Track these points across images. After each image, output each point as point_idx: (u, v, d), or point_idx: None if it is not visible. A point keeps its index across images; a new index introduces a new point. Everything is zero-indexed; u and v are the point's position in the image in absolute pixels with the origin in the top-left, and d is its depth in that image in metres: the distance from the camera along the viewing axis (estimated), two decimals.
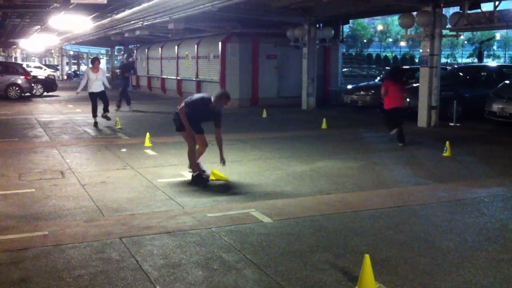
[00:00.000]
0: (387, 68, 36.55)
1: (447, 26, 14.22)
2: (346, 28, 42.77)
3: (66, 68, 49.17)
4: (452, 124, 14.13)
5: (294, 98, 19.68)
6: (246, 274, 4.23)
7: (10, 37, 38.14)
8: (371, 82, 20.07)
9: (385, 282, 4.05)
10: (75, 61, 61.91)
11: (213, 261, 4.49)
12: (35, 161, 9.02)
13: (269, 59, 20.46)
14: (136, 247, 4.82)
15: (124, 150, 10.13)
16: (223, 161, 7.47)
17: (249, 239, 5.03)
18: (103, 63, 52.28)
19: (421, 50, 14.41)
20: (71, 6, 17.78)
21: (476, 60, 61.15)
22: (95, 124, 13.86)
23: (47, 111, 18.17)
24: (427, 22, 13.63)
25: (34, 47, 42.59)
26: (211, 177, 7.52)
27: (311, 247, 4.86)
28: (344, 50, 55.27)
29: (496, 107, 13.32)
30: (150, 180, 7.54)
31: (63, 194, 6.76)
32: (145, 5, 17.64)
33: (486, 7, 13.95)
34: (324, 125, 13.63)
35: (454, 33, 14.55)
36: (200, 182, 7.30)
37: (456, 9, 14.54)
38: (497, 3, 13.00)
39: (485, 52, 69.96)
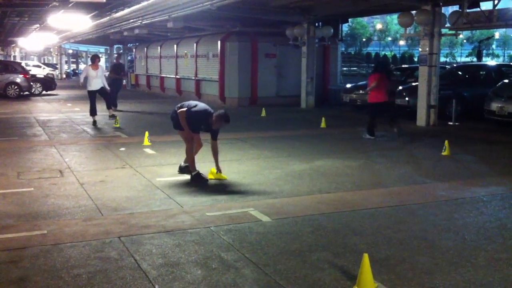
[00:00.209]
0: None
1: (446, 25, 14.22)
2: (345, 27, 42.82)
3: (65, 66, 49.09)
4: (451, 123, 14.13)
5: (293, 97, 19.67)
6: (245, 273, 4.23)
7: (9, 36, 38.07)
8: None
9: (384, 281, 4.05)
10: (74, 60, 61.83)
11: (212, 260, 4.48)
12: (34, 160, 9.01)
13: (268, 58, 20.44)
14: (135, 246, 4.82)
15: (123, 149, 10.13)
16: (219, 170, 7.54)
17: (248, 238, 5.03)
18: (102, 62, 52.13)
19: (420, 49, 14.41)
20: (70, 5, 17.77)
21: (475, 59, 61.14)
22: (94, 122, 13.85)
23: (46, 110, 18.16)
24: (426, 21, 13.63)
25: (33, 45, 42.49)
26: (209, 176, 7.52)
27: (310, 246, 4.86)
28: (343, 49, 55.35)
29: (495, 106, 13.33)
30: (149, 179, 7.54)
31: (62, 193, 6.76)
32: (144, 3, 17.63)
33: (485, 6, 13.95)
34: (323, 124, 13.63)
35: (453, 32, 14.55)
36: (199, 181, 7.30)
37: (455, 8, 14.50)
38: (496, 2, 12.99)
39: (484, 51, 69.90)
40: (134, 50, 34.64)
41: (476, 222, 5.64)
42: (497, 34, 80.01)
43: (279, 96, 20.48)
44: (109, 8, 20.53)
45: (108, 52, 45.94)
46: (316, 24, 19.70)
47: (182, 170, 7.79)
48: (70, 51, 55.28)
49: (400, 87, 16.27)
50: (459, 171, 8.45)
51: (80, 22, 23.24)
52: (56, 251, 4.69)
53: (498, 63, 30.86)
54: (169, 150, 9.88)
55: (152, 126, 13.49)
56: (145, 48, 30.62)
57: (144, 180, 7.50)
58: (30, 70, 26.88)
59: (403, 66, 29.81)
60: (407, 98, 15.51)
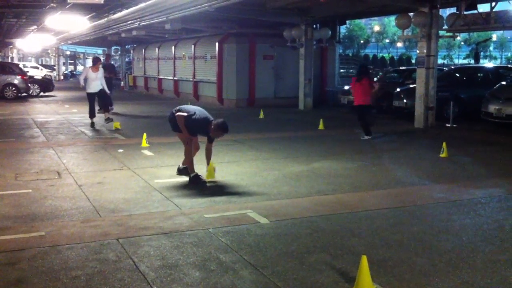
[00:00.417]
0: (385, 69, 36.60)
1: (443, 27, 14.24)
2: (343, 29, 42.85)
3: (63, 68, 49.05)
4: (449, 125, 14.15)
5: (291, 98, 19.68)
6: (243, 275, 4.23)
7: (6, 37, 38.05)
8: None
9: (382, 283, 4.05)
10: (72, 61, 61.81)
11: (210, 262, 4.48)
12: (31, 161, 8.99)
13: (266, 59, 20.45)
14: (133, 248, 4.81)
15: (121, 150, 10.12)
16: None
17: (246, 240, 5.03)
18: None
19: (417, 51, 14.44)
20: (67, 6, 17.73)
21: (472, 61, 61.34)
22: (92, 124, 13.82)
23: (43, 111, 18.13)
24: (423, 22, 13.66)
25: (31, 47, 42.48)
26: (207, 177, 7.54)
27: (308, 247, 4.86)
28: (341, 50, 55.29)
29: (492, 108, 13.36)
30: (147, 180, 7.53)
31: (59, 194, 6.75)
32: (142, 5, 17.61)
33: (483, 8, 14.00)
34: (321, 126, 13.64)
35: (450, 34, 14.58)
36: (198, 183, 7.30)
37: (453, 10, 14.56)
38: (493, 4, 13.05)
39: (482, 53, 70.12)
40: (132, 51, 34.61)
41: (474, 224, 5.64)
42: (494, 36, 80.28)
43: (277, 98, 20.49)
44: (107, 9, 20.53)
45: (106, 53, 45.92)
46: (314, 26, 19.71)
47: (180, 172, 7.79)
48: (68, 53, 55.21)
49: (398, 89, 16.31)
50: (457, 173, 8.46)
51: (77, 24, 23.25)
52: (54, 252, 4.68)
53: (496, 65, 30.96)
54: (167, 152, 9.87)
55: (150, 127, 13.49)
56: (143, 50, 30.61)
57: (142, 181, 7.49)
58: (27, 72, 26.83)
59: (400, 68, 29.89)
60: (405, 100, 15.55)
